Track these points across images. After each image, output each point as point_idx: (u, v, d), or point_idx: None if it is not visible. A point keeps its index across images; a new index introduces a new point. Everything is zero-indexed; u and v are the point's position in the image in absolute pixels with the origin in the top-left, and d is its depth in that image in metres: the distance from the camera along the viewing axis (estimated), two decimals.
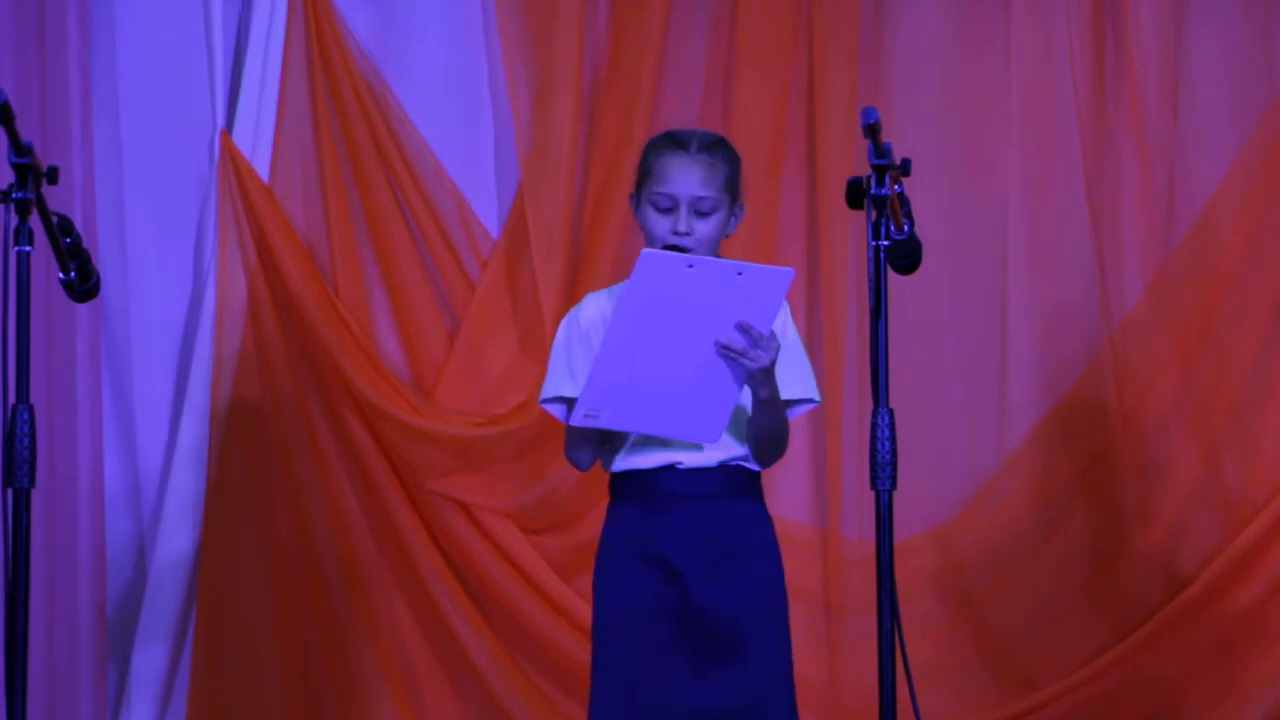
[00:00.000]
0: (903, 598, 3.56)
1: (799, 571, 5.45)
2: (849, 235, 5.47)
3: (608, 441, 3.84)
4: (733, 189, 3.83)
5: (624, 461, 3.83)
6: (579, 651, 5.35)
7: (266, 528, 5.37)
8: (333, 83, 5.42)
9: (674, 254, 3.63)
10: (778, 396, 3.74)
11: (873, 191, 3.52)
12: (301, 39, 5.42)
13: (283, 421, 5.37)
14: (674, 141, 3.84)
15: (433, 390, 5.45)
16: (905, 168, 3.57)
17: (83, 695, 5.26)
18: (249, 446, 5.37)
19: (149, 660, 5.32)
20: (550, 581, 5.38)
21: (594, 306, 3.90)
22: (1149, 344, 5.50)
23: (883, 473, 3.54)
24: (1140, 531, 5.47)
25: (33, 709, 3.70)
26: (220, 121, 5.42)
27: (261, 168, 5.42)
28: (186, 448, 5.35)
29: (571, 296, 5.42)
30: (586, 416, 3.65)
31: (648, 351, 3.60)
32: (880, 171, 3.51)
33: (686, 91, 5.53)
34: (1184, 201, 5.55)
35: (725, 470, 3.82)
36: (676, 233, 3.78)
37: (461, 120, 5.55)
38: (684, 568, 3.77)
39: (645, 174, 3.84)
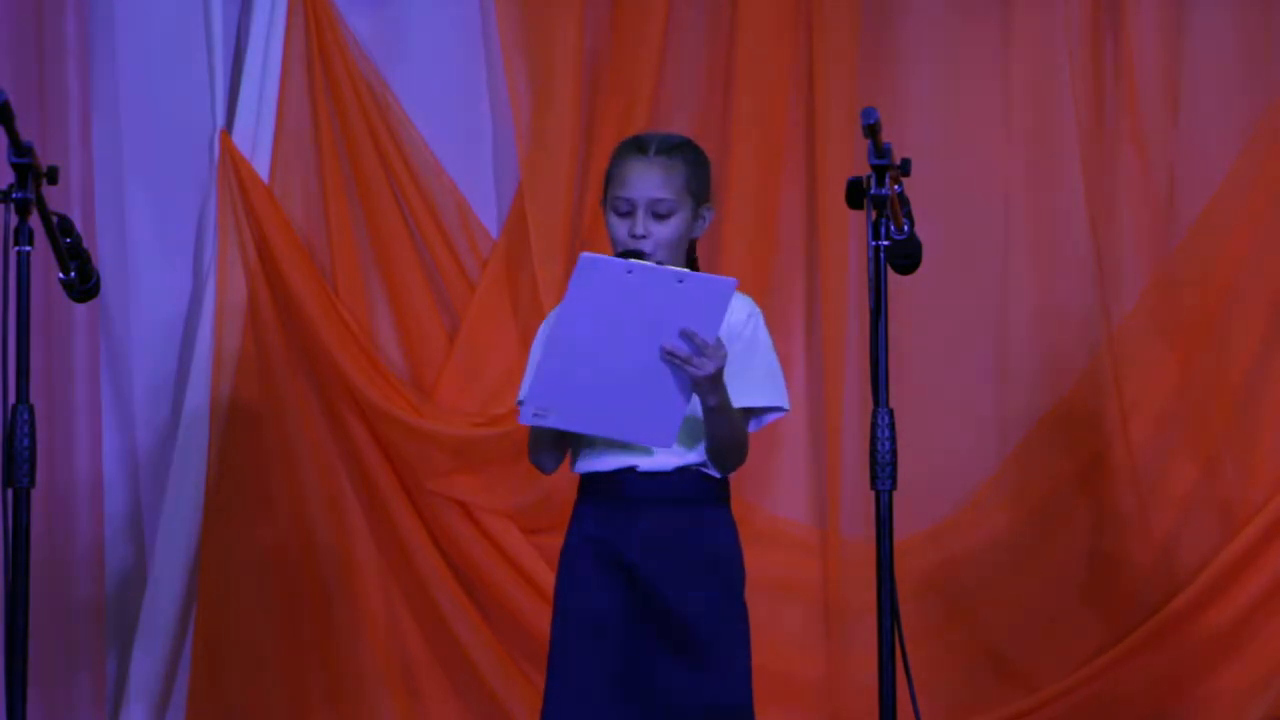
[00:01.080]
0: (903, 598, 3.56)
1: (799, 571, 5.46)
2: (849, 235, 5.46)
3: (564, 444, 3.83)
4: (695, 191, 3.81)
5: (585, 464, 3.84)
6: None
7: (266, 528, 5.37)
8: (333, 83, 5.42)
9: (613, 259, 3.63)
10: (728, 404, 3.71)
11: (873, 191, 3.52)
12: (301, 39, 5.42)
13: (283, 421, 5.37)
14: (634, 145, 3.85)
15: (433, 390, 5.45)
16: (905, 168, 3.57)
17: (82, 695, 5.26)
18: (249, 446, 5.37)
19: (148, 660, 5.32)
20: (550, 582, 5.35)
21: None
22: (1149, 344, 5.50)
23: (883, 473, 3.54)
24: (1139, 532, 5.46)
25: (32, 708, 3.70)
26: (220, 121, 5.42)
27: (261, 168, 5.42)
28: (186, 448, 5.34)
29: None
30: (536, 415, 3.66)
31: (593, 353, 3.61)
32: (880, 171, 3.51)
33: (686, 91, 5.53)
34: (1184, 201, 5.55)
35: (683, 474, 3.80)
36: (634, 235, 3.77)
37: (461, 120, 5.55)
38: (647, 569, 3.76)
39: (608, 179, 3.85)
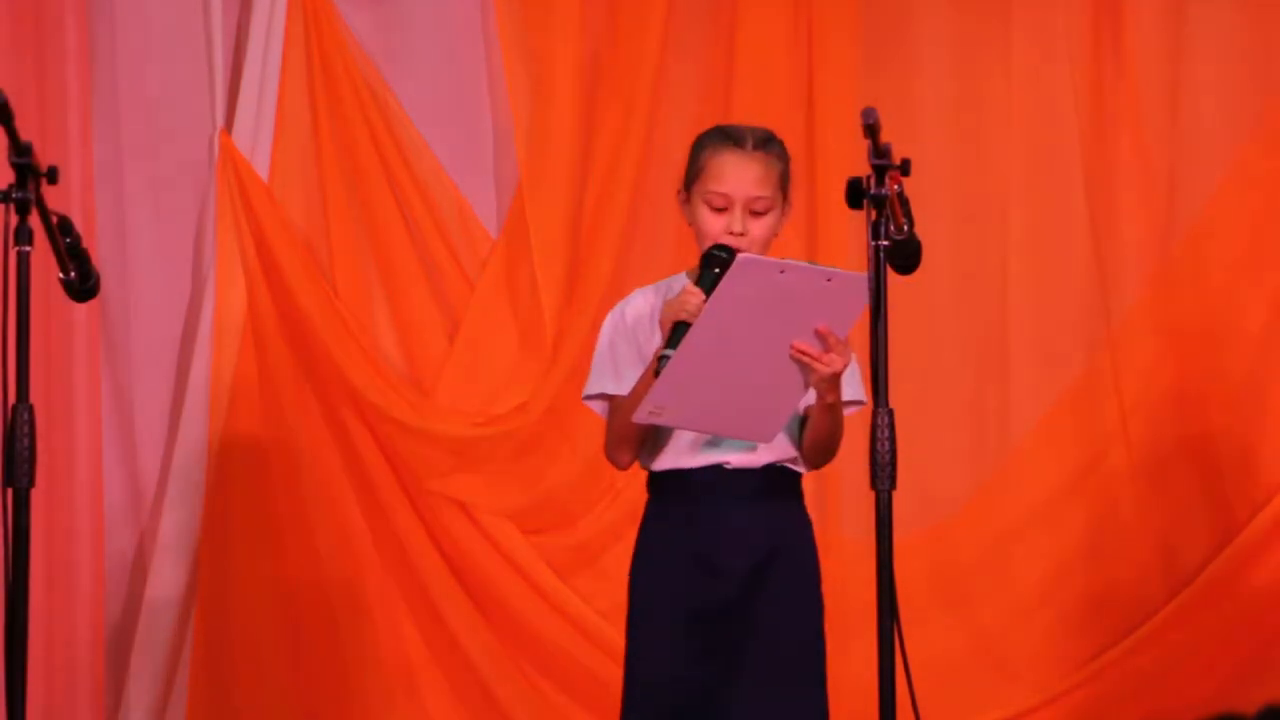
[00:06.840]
0: (903, 598, 3.56)
1: None
2: (849, 235, 5.46)
3: (649, 440, 3.81)
4: (785, 187, 3.80)
5: (669, 460, 3.80)
6: (578, 651, 5.36)
7: (266, 527, 5.36)
8: (332, 83, 5.42)
9: (768, 259, 3.61)
10: (839, 401, 3.73)
11: (872, 191, 3.52)
12: (301, 39, 5.42)
13: (282, 421, 5.37)
14: (729, 138, 3.79)
15: (432, 390, 5.45)
16: (905, 168, 3.57)
17: (81, 695, 5.25)
18: (248, 447, 5.37)
19: (148, 659, 5.32)
20: (549, 581, 5.38)
21: (642, 302, 3.86)
22: (1149, 344, 5.50)
23: (883, 473, 3.53)
24: (1139, 531, 5.47)
25: (32, 708, 3.70)
26: (220, 121, 5.42)
27: (261, 167, 5.41)
28: (186, 448, 5.34)
29: (571, 296, 5.43)
30: (651, 414, 3.63)
31: (725, 353, 3.58)
32: (880, 171, 3.51)
33: (686, 91, 5.53)
34: (1184, 201, 5.55)
35: (771, 471, 3.80)
36: (731, 233, 3.74)
37: (461, 120, 5.55)
38: (727, 568, 3.75)
39: (698, 170, 3.78)
